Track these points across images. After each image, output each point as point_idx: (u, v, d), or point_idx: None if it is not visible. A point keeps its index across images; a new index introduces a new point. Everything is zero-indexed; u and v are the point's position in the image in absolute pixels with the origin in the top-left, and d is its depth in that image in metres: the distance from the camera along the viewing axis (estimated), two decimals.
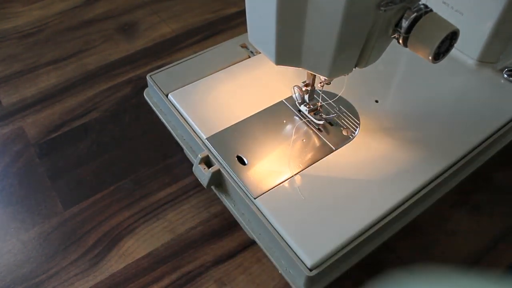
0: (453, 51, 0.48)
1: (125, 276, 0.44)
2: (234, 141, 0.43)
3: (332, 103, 0.47)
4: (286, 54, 0.36)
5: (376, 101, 0.48)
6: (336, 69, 0.36)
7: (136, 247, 0.46)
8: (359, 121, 0.45)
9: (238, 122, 0.45)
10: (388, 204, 0.39)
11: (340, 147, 0.43)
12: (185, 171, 0.52)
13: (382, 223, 0.38)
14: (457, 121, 0.46)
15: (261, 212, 0.38)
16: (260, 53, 0.52)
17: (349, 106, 0.47)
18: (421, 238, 0.46)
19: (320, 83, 0.42)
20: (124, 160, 0.53)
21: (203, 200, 0.50)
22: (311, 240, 0.36)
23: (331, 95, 0.47)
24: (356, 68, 0.37)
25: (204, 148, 0.43)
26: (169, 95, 0.48)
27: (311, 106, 0.45)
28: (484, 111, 0.47)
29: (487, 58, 0.51)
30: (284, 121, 0.45)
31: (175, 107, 0.47)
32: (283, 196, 0.39)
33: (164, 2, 0.77)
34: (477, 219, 0.48)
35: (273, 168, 0.41)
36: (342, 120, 0.46)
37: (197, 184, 0.51)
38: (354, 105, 0.47)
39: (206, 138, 0.44)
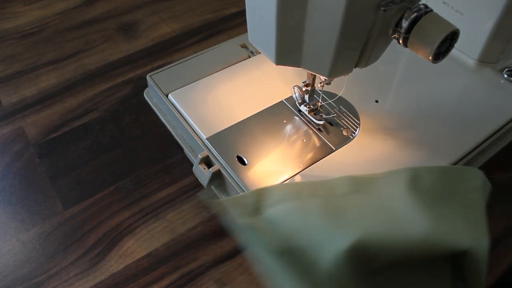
0: (453, 51, 0.48)
1: (125, 276, 0.44)
2: (234, 141, 0.43)
3: (332, 103, 0.47)
4: (286, 54, 0.36)
5: (376, 101, 0.48)
6: (336, 69, 0.36)
7: (136, 247, 0.46)
8: (359, 121, 0.45)
9: (238, 122, 0.45)
10: None
11: (340, 147, 0.43)
12: (185, 171, 0.52)
13: None
14: (457, 121, 0.46)
15: None
16: (260, 53, 0.52)
17: (349, 106, 0.47)
18: None
19: (320, 83, 0.42)
20: (124, 160, 0.53)
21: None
22: None
23: (331, 95, 0.47)
24: (356, 68, 0.37)
25: (204, 148, 0.43)
26: (169, 95, 0.48)
27: (311, 106, 0.45)
28: (484, 111, 0.47)
29: (487, 58, 0.51)
30: (284, 121, 0.45)
31: (175, 107, 0.47)
32: None
33: (164, 2, 0.77)
34: None
35: (273, 168, 0.41)
36: (342, 120, 0.46)
37: (197, 184, 0.51)
38: (354, 105, 0.47)
39: (206, 138, 0.44)
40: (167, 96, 0.48)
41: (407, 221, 0.33)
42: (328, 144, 0.43)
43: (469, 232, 0.34)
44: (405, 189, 0.35)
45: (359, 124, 0.45)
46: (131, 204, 0.49)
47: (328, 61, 0.35)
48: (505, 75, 0.51)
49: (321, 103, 0.45)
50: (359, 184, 0.37)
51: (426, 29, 0.33)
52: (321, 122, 0.45)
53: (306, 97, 0.45)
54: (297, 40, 0.35)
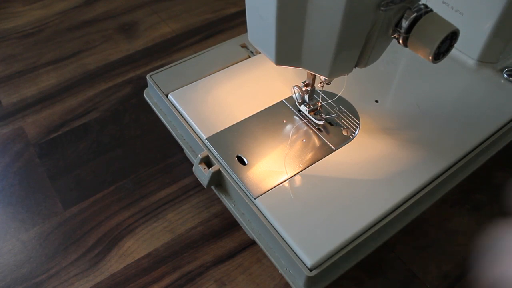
0: (453, 51, 0.48)
1: (125, 276, 0.44)
2: (234, 141, 0.43)
3: (332, 103, 0.47)
4: (286, 54, 0.36)
5: (376, 101, 0.48)
6: (336, 69, 0.36)
7: (136, 247, 0.46)
8: (359, 121, 0.45)
9: (238, 122, 0.45)
10: (388, 204, 0.39)
11: (340, 147, 0.43)
12: (185, 171, 0.52)
13: (382, 223, 0.38)
14: (457, 121, 0.46)
15: (261, 212, 0.38)
16: (260, 53, 0.52)
17: (349, 106, 0.47)
18: (421, 238, 0.46)
19: (320, 83, 0.42)
20: (124, 160, 0.53)
21: (203, 200, 0.50)
22: (311, 240, 0.36)
23: (331, 95, 0.47)
24: (356, 68, 0.37)
25: (204, 148, 0.43)
26: (169, 95, 0.48)
27: (311, 106, 0.45)
28: (484, 111, 0.47)
29: (487, 58, 0.51)
30: (284, 121, 0.45)
31: (175, 107, 0.47)
32: (283, 196, 0.39)
33: (164, 2, 0.77)
34: (477, 219, 0.48)
35: (273, 168, 0.41)
36: (342, 120, 0.46)
37: (197, 184, 0.51)
38: (354, 105, 0.47)
39: (206, 138, 0.44)
40: (167, 96, 0.48)
41: None
42: (328, 144, 0.43)
43: None
44: None
45: (359, 124, 0.45)
46: (131, 204, 0.49)
47: (328, 61, 0.35)
48: (505, 75, 0.51)
49: (321, 103, 0.45)
50: None
51: (426, 29, 0.33)
52: (321, 122, 0.45)
53: (306, 97, 0.45)
54: (297, 40, 0.35)
